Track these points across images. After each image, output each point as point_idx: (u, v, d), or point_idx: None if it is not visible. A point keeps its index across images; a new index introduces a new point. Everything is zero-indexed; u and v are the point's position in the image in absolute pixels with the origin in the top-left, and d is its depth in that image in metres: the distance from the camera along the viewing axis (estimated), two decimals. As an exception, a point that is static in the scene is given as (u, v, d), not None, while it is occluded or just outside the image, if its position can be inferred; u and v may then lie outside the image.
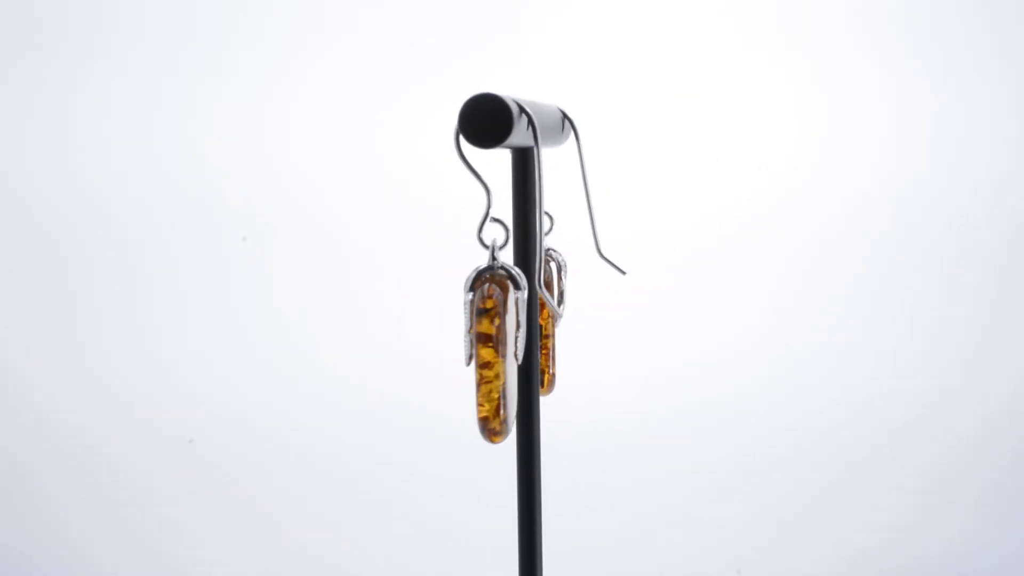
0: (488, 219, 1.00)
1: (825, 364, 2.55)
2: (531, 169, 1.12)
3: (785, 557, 2.40)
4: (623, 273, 1.25)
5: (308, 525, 2.42)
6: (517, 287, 0.99)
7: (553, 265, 1.23)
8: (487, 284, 0.98)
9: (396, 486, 2.44)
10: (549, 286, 1.21)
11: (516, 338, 0.99)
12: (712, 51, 2.54)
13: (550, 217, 1.24)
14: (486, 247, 1.00)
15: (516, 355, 0.99)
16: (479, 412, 0.98)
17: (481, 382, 0.97)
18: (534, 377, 1.13)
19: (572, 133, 1.23)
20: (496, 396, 0.97)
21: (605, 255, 1.24)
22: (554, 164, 1.30)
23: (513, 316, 0.99)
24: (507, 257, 1.05)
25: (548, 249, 1.23)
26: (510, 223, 1.03)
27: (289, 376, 2.48)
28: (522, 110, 0.99)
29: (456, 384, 2.07)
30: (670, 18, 2.53)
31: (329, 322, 2.47)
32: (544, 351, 1.22)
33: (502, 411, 0.98)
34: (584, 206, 1.23)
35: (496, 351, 0.97)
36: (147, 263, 2.49)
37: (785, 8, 2.53)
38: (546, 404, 1.16)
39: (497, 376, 0.97)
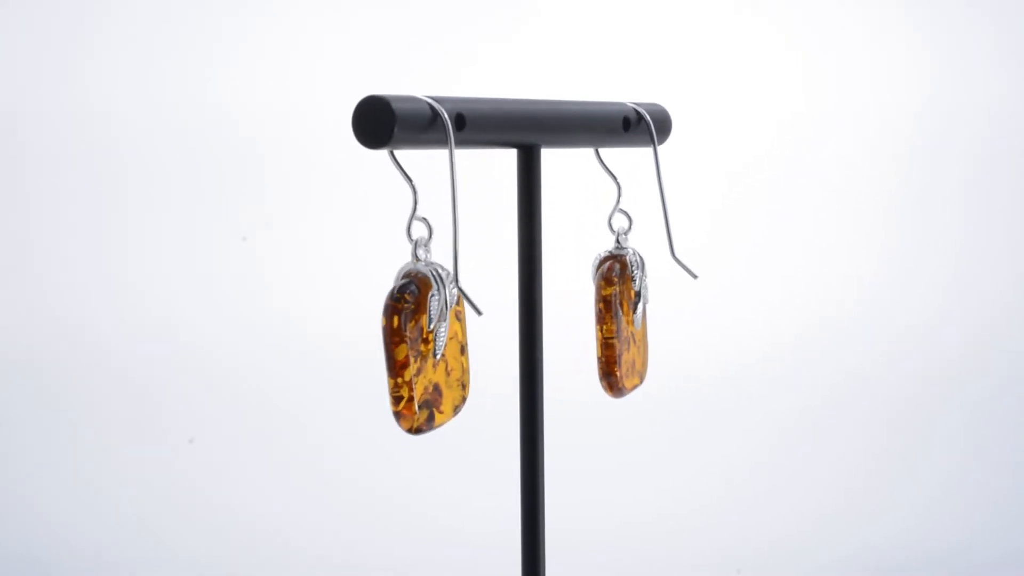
0: (415, 217, 1.03)
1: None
2: (535, 169, 1.13)
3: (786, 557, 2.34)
4: (695, 277, 1.21)
5: (304, 529, 2.38)
6: (438, 286, 1.01)
7: (630, 267, 1.21)
8: (406, 281, 1.01)
9: (393, 490, 2.41)
10: (611, 283, 1.20)
11: (435, 336, 1.02)
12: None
13: (628, 216, 1.23)
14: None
15: (435, 353, 1.02)
16: (391, 405, 1.01)
17: (391, 377, 1.00)
18: (537, 378, 1.14)
19: (649, 133, 1.21)
20: (405, 393, 1.00)
21: (678, 258, 1.21)
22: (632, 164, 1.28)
23: (437, 314, 1.01)
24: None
25: (625, 248, 1.22)
26: (435, 221, 1.04)
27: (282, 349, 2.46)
28: (436, 112, 1.01)
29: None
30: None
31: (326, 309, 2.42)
32: (607, 352, 1.20)
33: (415, 407, 1.00)
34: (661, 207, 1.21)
35: (408, 347, 1.00)
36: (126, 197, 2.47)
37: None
38: (550, 401, 1.16)
39: (407, 372, 1.00)
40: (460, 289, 1.01)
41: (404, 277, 1.01)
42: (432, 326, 1.00)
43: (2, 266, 2.45)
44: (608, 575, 2.34)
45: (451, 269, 1.02)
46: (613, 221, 1.21)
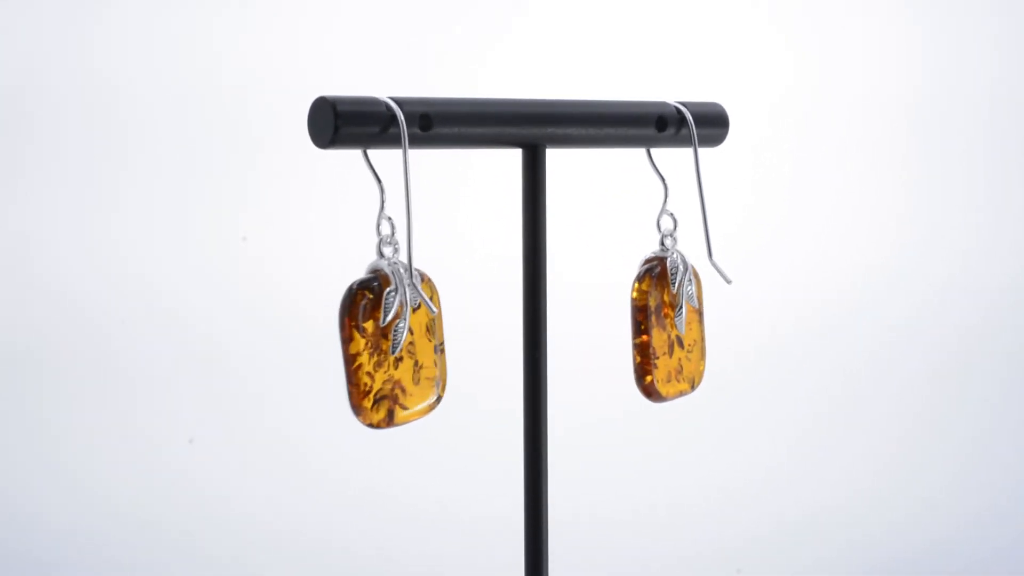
0: (383, 217, 1.06)
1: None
2: (541, 169, 1.14)
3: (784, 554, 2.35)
4: (728, 282, 1.18)
5: (307, 524, 2.32)
6: (397, 283, 1.05)
7: (670, 271, 1.19)
8: (369, 276, 1.05)
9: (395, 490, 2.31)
10: (644, 286, 1.18)
11: (393, 332, 1.05)
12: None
13: (673, 218, 1.20)
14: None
15: (392, 349, 1.05)
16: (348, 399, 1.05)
17: (345, 370, 1.04)
18: (541, 379, 1.14)
19: (690, 133, 1.19)
20: (360, 387, 1.03)
21: (715, 261, 1.18)
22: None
23: (392, 312, 1.04)
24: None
25: (668, 251, 1.20)
26: (400, 222, 1.07)
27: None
28: (392, 113, 1.04)
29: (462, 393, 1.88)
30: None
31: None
32: (639, 357, 1.19)
33: (370, 402, 1.03)
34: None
35: (364, 341, 1.04)
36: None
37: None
38: (553, 397, 1.15)
39: (363, 367, 1.04)
40: (415, 286, 1.03)
41: (370, 273, 1.04)
42: (385, 322, 1.02)
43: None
44: (610, 570, 2.33)
45: (417, 268, 1.05)
46: (661, 222, 1.19)
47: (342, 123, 1.01)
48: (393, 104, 1.03)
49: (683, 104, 1.19)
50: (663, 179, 1.19)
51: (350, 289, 1.02)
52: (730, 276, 1.18)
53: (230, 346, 2.39)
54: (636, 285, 1.17)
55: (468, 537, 2.35)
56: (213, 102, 2.36)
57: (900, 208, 2.61)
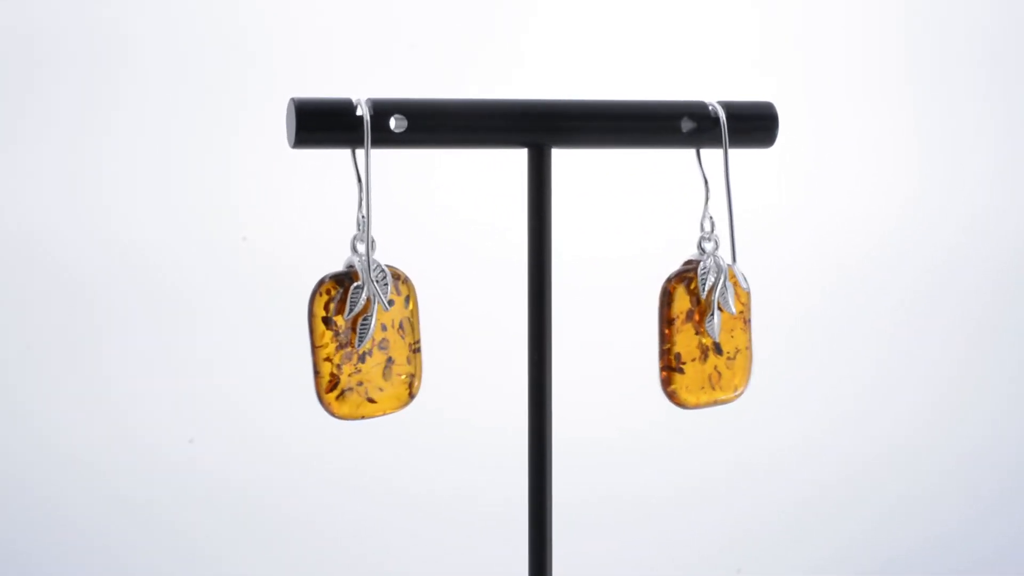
0: (361, 214, 1.11)
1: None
2: (546, 169, 1.13)
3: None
4: (747, 290, 1.12)
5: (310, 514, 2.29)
6: (364, 279, 1.09)
7: (710, 275, 1.14)
8: (341, 271, 1.11)
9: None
10: (668, 291, 1.14)
11: (358, 328, 1.09)
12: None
13: (712, 221, 1.15)
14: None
15: (357, 343, 1.09)
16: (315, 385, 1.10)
17: (312, 359, 1.10)
18: (546, 377, 1.14)
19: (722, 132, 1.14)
20: (324, 379, 1.09)
21: (736, 267, 1.13)
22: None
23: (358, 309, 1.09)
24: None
25: (704, 254, 1.15)
26: (364, 218, 1.09)
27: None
28: (363, 113, 1.08)
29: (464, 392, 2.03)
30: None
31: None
32: (663, 356, 1.15)
33: (334, 395, 1.09)
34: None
35: (330, 334, 1.09)
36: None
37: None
38: (556, 392, 1.13)
39: (329, 359, 1.09)
40: (372, 282, 1.06)
41: (346, 267, 1.09)
42: (348, 316, 1.06)
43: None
44: (610, 568, 2.29)
45: (386, 266, 1.08)
46: (704, 225, 1.15)
47: (304, 123, 1.04)
48: (364, 105, 1.05)
49: (723, 103, 1.12)
50: (706, 181, 1.13)
51: (320, 281, 1.06)
52: (746, 285, 1.12)
53: (231, 343, 2.35)
54: (662, 288, 1.13)
55: (472, 530, 2.33)
56: (215, 102, 2.32)
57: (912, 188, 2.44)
